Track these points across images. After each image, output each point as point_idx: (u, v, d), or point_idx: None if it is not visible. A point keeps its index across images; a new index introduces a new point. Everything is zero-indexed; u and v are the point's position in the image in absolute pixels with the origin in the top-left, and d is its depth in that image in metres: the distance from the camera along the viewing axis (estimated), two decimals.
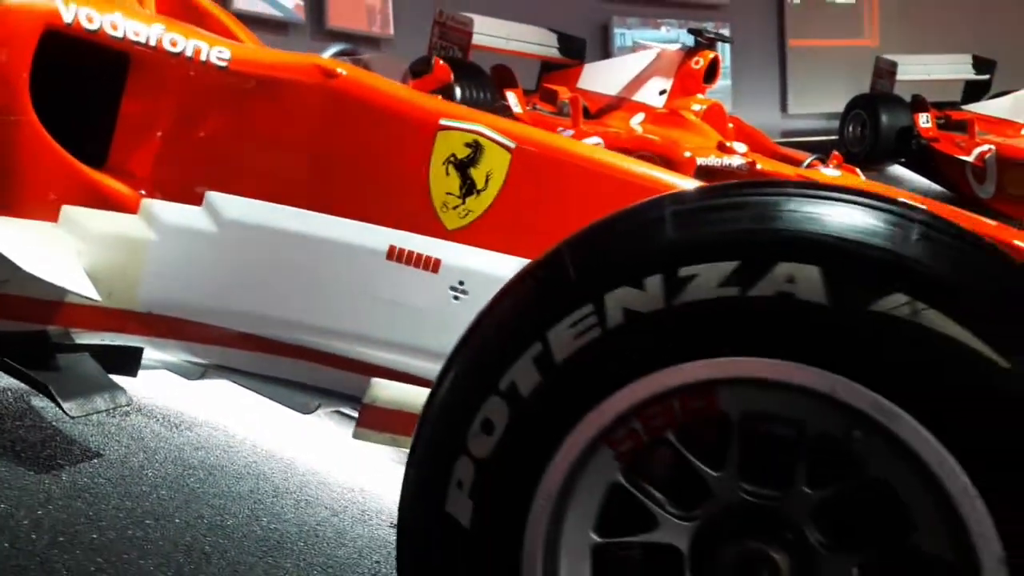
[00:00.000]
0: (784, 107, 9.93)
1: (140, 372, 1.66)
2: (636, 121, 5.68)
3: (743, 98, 9.24)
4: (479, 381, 0.93)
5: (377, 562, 1.46)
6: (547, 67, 6.47)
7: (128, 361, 1.66)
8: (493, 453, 0.92)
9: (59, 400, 1.44)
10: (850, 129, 7.72)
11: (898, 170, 7.60)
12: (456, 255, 1.62)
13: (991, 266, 0.81)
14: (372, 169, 1.71)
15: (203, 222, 1.67)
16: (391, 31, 7.59)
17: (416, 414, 0.99)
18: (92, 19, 1.65)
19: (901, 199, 0.88)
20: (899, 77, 7.79)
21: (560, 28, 6.60)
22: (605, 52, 8.53)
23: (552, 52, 6.58)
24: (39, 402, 1.80)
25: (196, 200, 1.68)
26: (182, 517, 1.45)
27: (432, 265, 1.62)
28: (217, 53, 1.73)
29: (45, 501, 1.39)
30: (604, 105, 5.98)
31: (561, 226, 0.99)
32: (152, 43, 1.69)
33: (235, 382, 1.67)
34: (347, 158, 1.72)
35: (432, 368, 1.19)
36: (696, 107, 5.63)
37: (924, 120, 7.34)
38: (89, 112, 1.80)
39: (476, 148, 1.67)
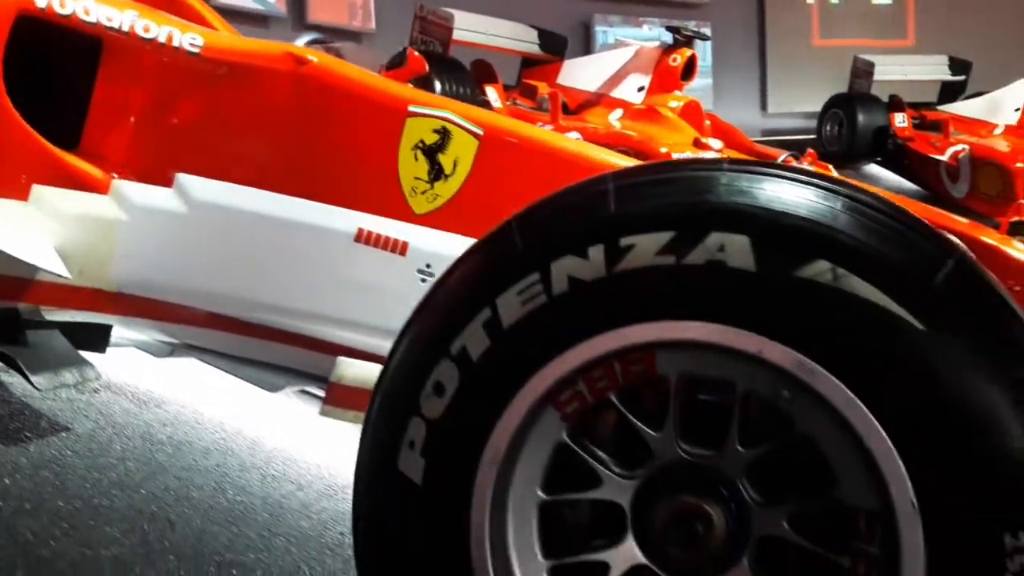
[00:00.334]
0: (764, 106, 10.02)
1: (109, 349, 1.69)
2: (614, 117, 5.73)
3: (723, 97, 9.32)
4: (431, 346, 0.98)
5: (341, 534, 1.50)
6: (527, 63, 6.50)
7: (97, 338, 1.69)
8: (444, 414, 0.96)
9: (28, 374, 1.47)
10: (828, 128, 7.80)
11: (874, 169, 7.70)
12: (424, 239, 1.66)
13: (910, 236, 0.86)
14: (342, 154, 1.74)
15: (173, 203, 1.70)
16: (372, 25, 7.61)
17: None
18: (65, 4, 1.68)
19: (830, 175, 0.93)
20: (876, 77, 7.88)
21: (542, 25, 6.64)
22: (587, 50, 8.57)
23: (533, 48, 6.62)
24: (8, 376, 1.82)
25: (167, 182, 1.71)
26: (148, 488, 1.48)
27: (400, 248, 1.66)
28: (190, 40, 1.76)
29: (12, 471, 1.42)
30: (583, 101, 6.03)
31: None
32: (125, 28, 1.72)
33: (203, 361, 1.70)
34: (317, 143, 1.75)
35: None
36: (673, 104, 5.68)
37: (900, 120, 7.43)
38: (62, 96, 1.82)
39: (444, 134, 1.71)
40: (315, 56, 1.79)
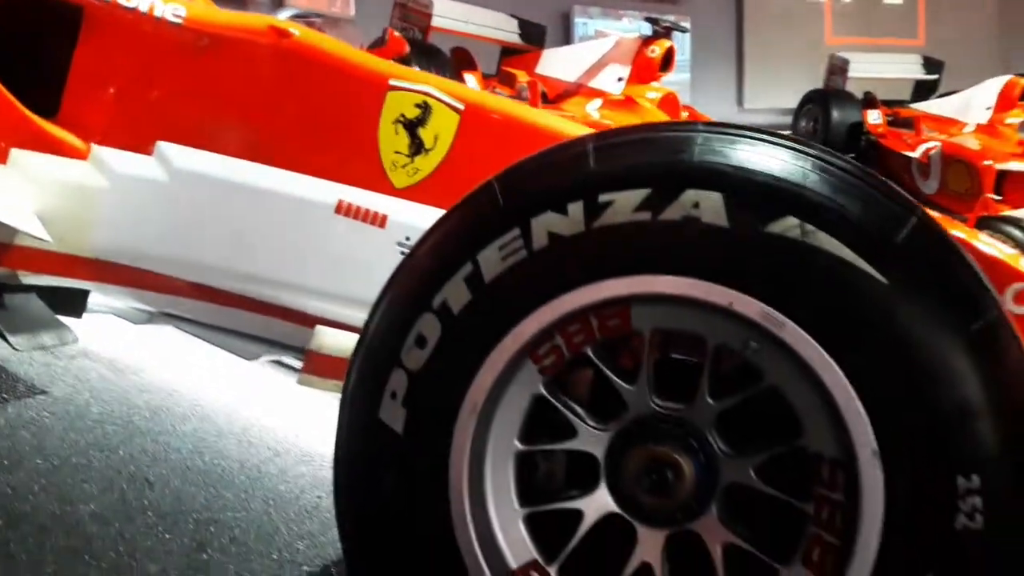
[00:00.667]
0: (740, 101, 10.11)
1: (86, 316, 1.69)
2: (593, 107, 5.76)
3: (700, 91, 9.38)
4: (414, 300, 1.01)
5: (319, 497, 1.51)
6: (507, 52, 6.51)
7: (74, 302, 1.69)
8: (425, 365, 0.99)
9: (5, 334, 1.47)
10: (803, 124, 7.88)
11: None
12: (403, 212, 1.67)
13: (875, 196, 0.90)
14: (323, 127, 1.76)
15: (154, 171, 1.70)
16: (352, 11, 7.58)
17: None
18: None
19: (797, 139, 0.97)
20: (851, 74, 7.97)
21: (522, 15, 6.65)
22: (566, 41, 8.59)
23: (512, 38, 6.62)
24: None
25: (148, 150, 1.71)
26: (126, 450, 1.49)
27: (380, 220, 1.67)
28: (172, 10, 1.76)
29: None
30: (562, 91, 6.04)
31: None
32: None
33: (181, 329, 1.71)
34: (298, 116, 1.76)
35: None
36: (651, 95, 5.73)
37: (874, 117, 7.52)
38: (42, 64, 1.82)
39: (425, 109, 1.72)
40: (297, 29, 1.80)
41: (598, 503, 0.99)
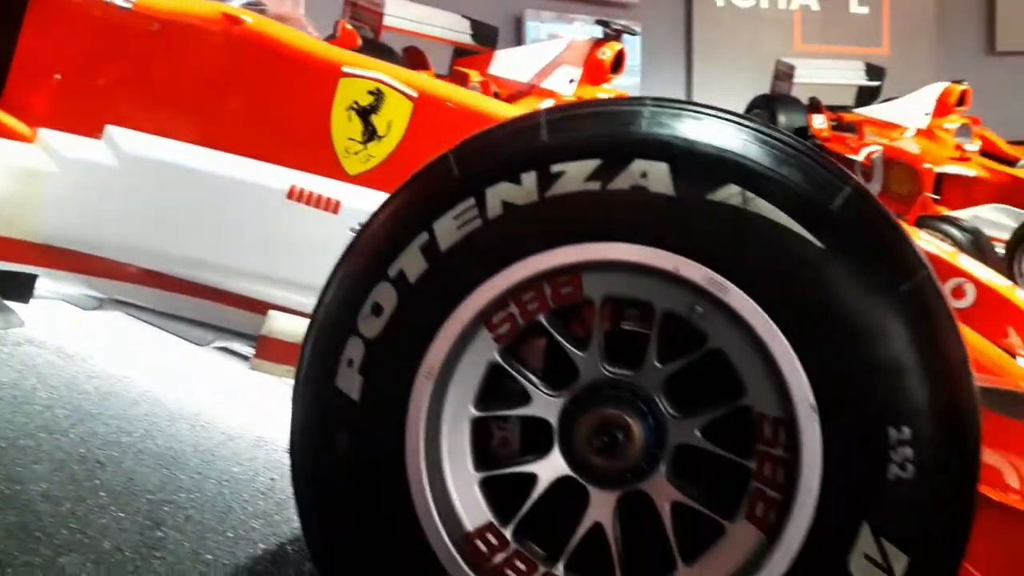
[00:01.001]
0: None
1: (33, 302, 1.67)
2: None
3: (650, 94, 9.47)
4: (370, 269, 1.02)
5: (272, 479, 1.51)
6: (459, 52, 6.53)
7: (21, 287, 1.67)
8: (381, 333, 1.01)
9: None
10: None
11: None
12: (357, 198, 1.68)
13: (812, 166, 0.95)
14: (275, 113, 1.76)
15: (103, 156, 1.68)
16: (301, 11, 7.51)
17: None
18: None
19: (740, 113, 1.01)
20: (796, 80, 8.16)
21: (474, 17, 6.68)
22: (518, 44, 8.65)
23: (465, 38, 6.64)
24: None
25: (96, 135, 1.70)
26: (76, 433, 1.47)
27: (333, 207, 1.68)
28: None
29: None
30: (515, 91, 6.08)
31: None
32: None
33: (131, 315, 1.69)
34: (250, 102, 1.76)
35: None
36: (602, 96, 5.80)
37: (818, 121, 7.71)
38: None
39: (378, 96, 1.74)
40: (250, 16, 1.80)
41: (552, 467, 1.02)
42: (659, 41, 9.77)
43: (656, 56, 9.79)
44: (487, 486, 1.04)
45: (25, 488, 1.24)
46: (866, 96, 8.42)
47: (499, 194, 0.98)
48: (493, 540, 1.02)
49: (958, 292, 2.10)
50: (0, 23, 1.77)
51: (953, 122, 6.72)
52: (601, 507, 1.01)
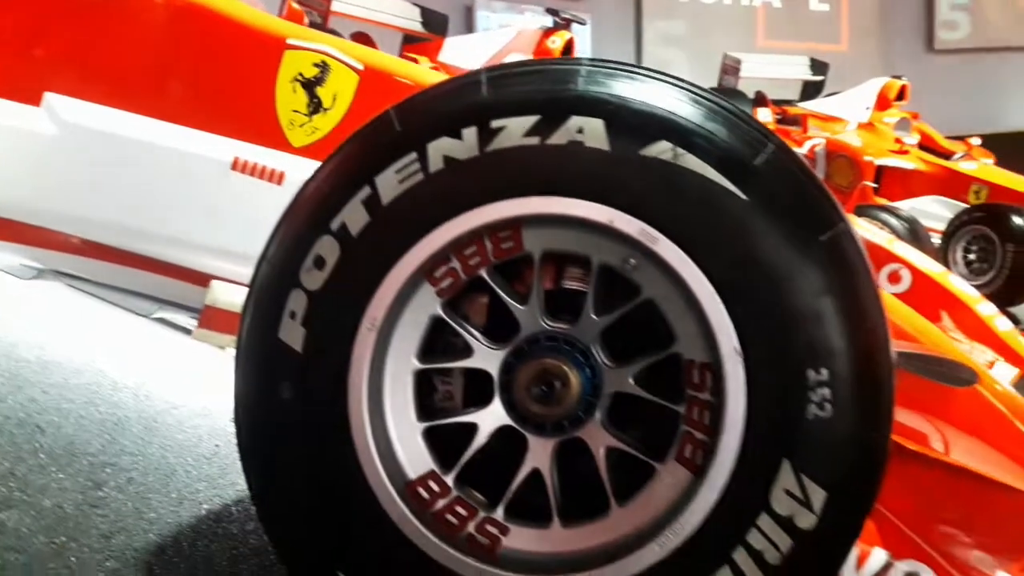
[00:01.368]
0: None
1: None
2: None
3: None
4: (313, 222, 1.04)
5: (217, 446, 1.51)
6: (409, 40, 6.51)
7: None
8: (324, 286, 1.03)
9: None
10: None
11: None
12: (301, 169, 1.68)
13: (738, 124, 0.99)
14: (218, 84, 1.75)
15: (42, 124, 1.66)
16: None
17: None
18: None
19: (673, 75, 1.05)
20: (743, 75, 8.31)
21: (425, 6, 6.66)
22: (469, 33, 8.64)
23: (414, 26, 6.62)
24: None
25: (35, 102, 1.67)
26: (15, 399, 1.46)
27: (277, 178, 1.68)
28: None
29: None
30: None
31: None
32: None
33: (71, 286, 1.68)
34: (192, 72, 1.75)
35: None
36: None
37: (764, 115, 7.85)
38: None
39: (324, 68, 1.74)
40: None
41: (492, 416, 1.05)
42: (608, 32, 9.86)
43: (605, 46, 9.87)
44: (430, 436, 1.07)
45: None
46: (810, 91, 8.62)
47: (440, 149, 1.01)
48: (435, 487, 1.05)
49: (894, 277, 2.19)
50: None
51: (893, 116, 6.93)
52: (539, 454, 1.04)
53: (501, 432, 1.06)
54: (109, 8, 1.75)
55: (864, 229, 2.40)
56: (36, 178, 1.65)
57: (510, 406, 1.05)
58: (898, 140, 6.77)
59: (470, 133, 1.00)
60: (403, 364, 1.06)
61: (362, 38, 5.99)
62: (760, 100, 7.88)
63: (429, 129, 1.02)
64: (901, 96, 7.06)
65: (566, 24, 6.17)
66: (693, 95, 1.00)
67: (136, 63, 1.75)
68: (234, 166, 1.65)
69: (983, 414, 1.39)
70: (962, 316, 2.08)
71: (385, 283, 1.03)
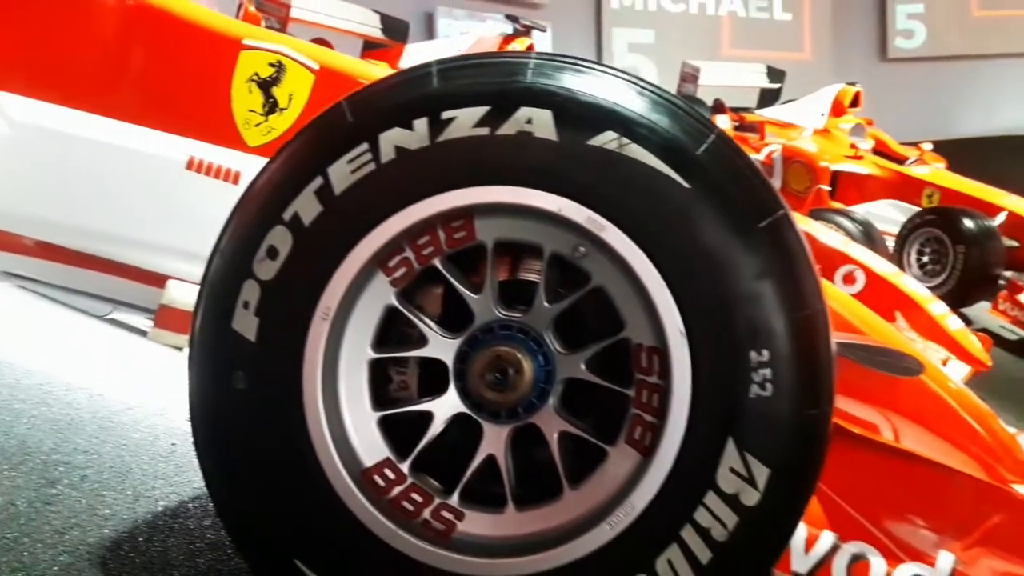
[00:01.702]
0: None
1: None
2: None
3: None
4: (265, 213, 1.05)
5: (174, 444, 1.50)
6: (369, 46, 6.51)
7: None
8: (277, 276, 1.04)
9: None
10: None
11: None
12: (256, 168, 1.68)
13: (681, 115, 1.02)
14: (173, 84, 1.75)
15: None
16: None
17: None
18: None
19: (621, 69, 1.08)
20: (701, 82, 8.43)
21: (386, 13, 6.66)
22: (430, 40, 8.66)
23: (375, 32, 6.61)
24: None
25: None
26: None
27: (233, 177, 1.69)
28: None
29: None
30: None
31: None
32: None
33: (23, 287, 1.66)
34: (146, 72, 1.75)
35: None
36: None
37: (722, 122, 7.97)
38: None
39: (280, 68, 1.75)
40: None
41: (447, 405, 1.07)
42: (570, 39, 9.94)
43: (566, 52, 9.92)
44: (386, 424, 1.08)
45: None
46: (768, 98, 8.77)
47: (392, 139, 1.02)
48: (390, 475, 1.06)
49: (849, 278, 2.25)
50: None
51: (848, 122, 7.08)
52: (494, 440, 1.06)
53: (456, 419, 1.07)
54: (63, 7, 1.74)
55: (820, 232, 2.46)
56: None
57: (465, 394, 1.07)
58: (853, 146, 6.92)
59: (421, 124, 1.02)
60: (358, 353, 1.07)
61: (321, 44, 5.98)
62: (718, 107, 8.00)
63: (381, 120, 1.03)
64: (855, 103, 7.22)
65: (526, 31, 6.21)
66: (638, 87, 1.03)
67: (90, 62, 1.74)
68: (189, 165, 1.65)
69: (928, 403, 1.43)
70: (915, 316, 2.14)
71: (338, 273, 1.04)
